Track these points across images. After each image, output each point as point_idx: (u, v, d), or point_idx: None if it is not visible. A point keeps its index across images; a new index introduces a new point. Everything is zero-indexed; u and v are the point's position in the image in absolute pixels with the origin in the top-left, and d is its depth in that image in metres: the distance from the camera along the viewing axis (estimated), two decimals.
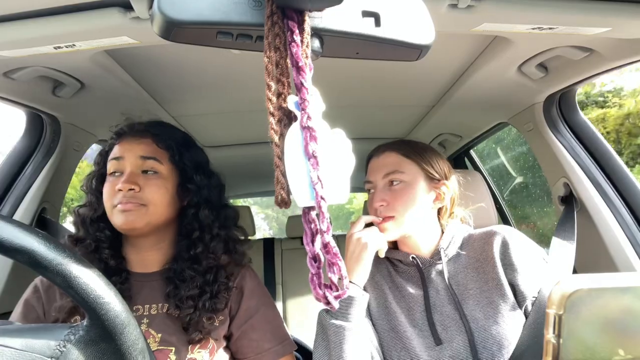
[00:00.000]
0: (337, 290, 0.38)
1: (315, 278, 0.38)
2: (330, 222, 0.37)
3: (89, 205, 0.85)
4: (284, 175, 0.36)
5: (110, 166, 0.82)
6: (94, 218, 0.83)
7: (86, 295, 0.40)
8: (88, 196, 0.86)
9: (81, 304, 0.41)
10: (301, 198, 0.36)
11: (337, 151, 0.39)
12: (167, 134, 0.86)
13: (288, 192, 0.36)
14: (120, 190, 0.77)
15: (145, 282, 0.83)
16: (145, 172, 0.81)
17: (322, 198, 0.35)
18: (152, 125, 0.87)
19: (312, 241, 0.37)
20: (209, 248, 0.83)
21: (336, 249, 0.37)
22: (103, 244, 0.81)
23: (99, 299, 0.41)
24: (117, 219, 0.78)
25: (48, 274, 0.40)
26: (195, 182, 0.85)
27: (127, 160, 0.81)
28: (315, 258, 0.37)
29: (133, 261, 0.84)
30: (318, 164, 0.36)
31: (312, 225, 0.37)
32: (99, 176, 0.86)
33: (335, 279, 0.38)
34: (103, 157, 0.87)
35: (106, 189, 0.81)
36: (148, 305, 0.80)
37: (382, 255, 0.90)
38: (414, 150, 0.93)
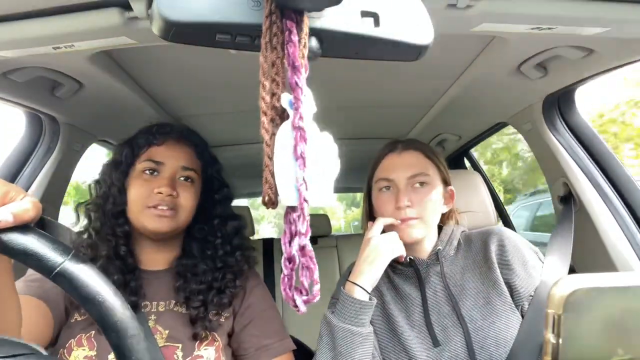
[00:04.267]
0: (307, 295, 0.38)
1: (287, 279, 0.37)
2: (309, 224, 0.37)
3: (109, 197, 0.81)
4: (272, 175, 0.36)
5: (145, 165, 0.81)
6: (115, 212, 0.81)
7: None
8: (109, 188, 0.82)
9: None
10: (286, 197, 0.36)
11: (325, 154, 0.38)
12: (204, 146, 0.89)
13: (276, 193, 0.36)
14: (159, 193, 0.78)
15: (152, 279, 0.84)
16: (182, 179, 0.83)
17: (305, 200, 0.35)
18: (192, 134, 0.89)
19: (290, 242, 0.37)
20: (227, 255, 0.86)
21: (312, 253, 0.37)
22: (120, 240, 0.80)
23: None
24: (149, 222, 0.78)
25: (108, 334, 0.40)
26: (223, 194, 0.89)
27: (167, 166, 0.81)
28: (291, 259, 0.37)
29: (141, 259, 0.85)
30: (305, 165, 0.35)
31: (292, 227, 0.37)
32: (124, 170, 0.83)
33: (306, 283, 0.37)
34: (133, 151, 0.84)
35: (140, 187, 0.79)
36: (156, 302, 0.81)
37: (402, 259, 0.88)
38: (432, 151, 0.92)
